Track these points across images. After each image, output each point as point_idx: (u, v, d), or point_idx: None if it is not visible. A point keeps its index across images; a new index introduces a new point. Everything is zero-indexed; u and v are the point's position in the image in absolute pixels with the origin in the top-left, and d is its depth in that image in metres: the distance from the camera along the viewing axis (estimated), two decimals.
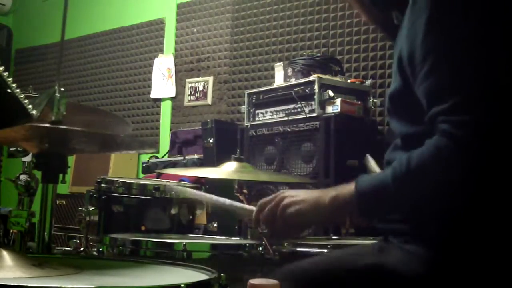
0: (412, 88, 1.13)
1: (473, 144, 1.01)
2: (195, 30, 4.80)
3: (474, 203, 1.08)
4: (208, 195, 1.60)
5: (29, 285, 0.88)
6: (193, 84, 4.73)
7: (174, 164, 3.93)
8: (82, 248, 2.08)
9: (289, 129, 3.07)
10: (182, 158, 4.02)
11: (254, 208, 1.32)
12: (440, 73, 1.06)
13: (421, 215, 1.15)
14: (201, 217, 2.78)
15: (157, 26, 5.08)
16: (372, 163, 1.91)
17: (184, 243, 1.63)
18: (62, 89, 1.54)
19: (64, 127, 1.50)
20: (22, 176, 2.03)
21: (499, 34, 1.07)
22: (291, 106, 3.12)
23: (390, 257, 1.18)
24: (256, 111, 3.35)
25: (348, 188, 1.16)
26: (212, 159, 3.55)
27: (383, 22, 1.35)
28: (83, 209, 2.14)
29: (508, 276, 1.07)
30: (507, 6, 1.10)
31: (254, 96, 3.37)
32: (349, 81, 3.23)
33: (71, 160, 4.63)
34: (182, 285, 0.90)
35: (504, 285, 1.08)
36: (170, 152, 4.45)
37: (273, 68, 3.54)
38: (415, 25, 1.11)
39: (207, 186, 3.04)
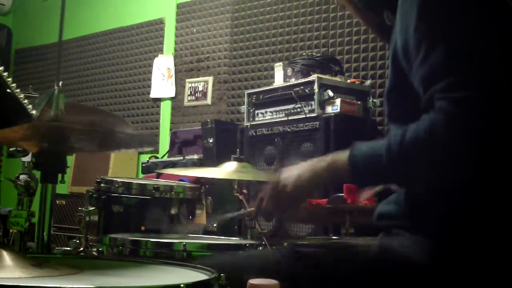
0: (407, 82, 1.13)
1: (468, 121, 1.01)
2: (195, 30, 4.80)
3: (472, 184, 1.08)
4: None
5: (28, 285, 0.88)
6: (193, 84, 4.73)
7: (174, 164, 3.93)
8: (81, 248, 2.08)
9: (289, 129, 3.07)
10: (182, 158, 4.02)
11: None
12: (435, 57, 1.06)
13: (420, 207, 1.15)
14: (201, 217, 2.77)
15: (157, 26, 5.08)
16: None
17: (184, 243, 1.63)
18: (61, 83, 1.54)
19: (63, 123, 1.50)
20: (21, 176, 2.03)
21: (493, 13, 1.08)
22: (291, 106, 3.11)
23: (393, 247, 1.19)
24: (256, 111, 3.35)
25: (343, 156, 1.20)
26: (212, 159, 3.55)
27: (378, 26, 1.36)
28: (83, 209, 2.14)
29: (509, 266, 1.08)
30: None
31: (254, 96, 3.37)
32: (348, 81, 3.23)
33: (71, 160, 4.63)
34: (182, 285, 0.90)
35: (507, 274, 1.08)
36: (170, 152, 4.45)
37: (273, 68, 3.54)
38: (408, 15, 1.11)
39: (207, 186, 3.04)
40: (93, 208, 2.13)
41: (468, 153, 1.02)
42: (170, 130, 4.76)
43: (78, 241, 2.13)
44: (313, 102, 3.00)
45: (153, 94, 4.99)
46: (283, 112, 3.17)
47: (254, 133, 3.27)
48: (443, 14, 1.09)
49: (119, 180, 2.25)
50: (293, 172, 1.28)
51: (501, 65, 1.05)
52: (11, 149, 2.28)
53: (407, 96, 1.14)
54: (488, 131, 1.00)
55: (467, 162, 1.04)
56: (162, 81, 4.93)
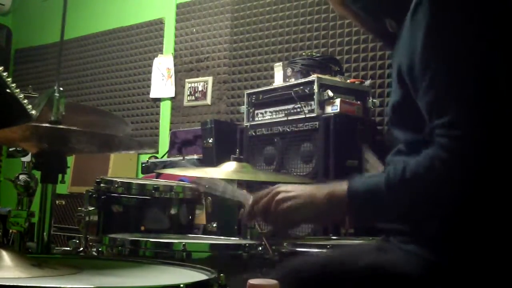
0: (413, 99, 1.13)
1: (468, 158, 1.02)
2: (194, 30, 4.80)
3: (469, 212, 1.09)
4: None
5: (28, 285, 0.88)
6: (193, 84, 4.73)
7: (173, 164, 3.93)
8: (81, 248, 2.08)
9: (288, 129, 3.07)
10: (181, 158, 4.02)
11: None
12: (439, 88, 1.07)
13: (419, 218, 1.15)
14: (201, 217, 2.77)
15: (157, 26, 5.08)
16: (371, 159, 1.86)
17: (183, 243, 1.63)
18: (61, 88, 1.54)
19: (63, 126, 1.50)
20: (21, 176, 2.03)
21: (499, 48, 1.07)
22: (291, 106, 3.12)
23: (389, 257, 1.19)
24: (256, 111, 3.35)
25: (342, 187, 1.17)
26: (212, 159, 3.55)
27: (379, 32, 1.36)
28: (83, 209, 2.14)
29: (506, 276, 1.08)
30: (507, 21, 1.09)
31: (254, 96, 3.37)
32: (348, 81, 3.24)
33: (71, 160, 4.63)
34: (181, 285, 0.90)
35: (503, 284, 1.08)
36: (170, 152, 4.45)
37: (272, 68, 3.54)
38: (414, 38, 1.11)
39: (207, 186, 3.04)
40: (92, 208, 2.13)
41: (467, 188, 1.04)
42: (170, 130, 4.76)
43: (77, 241, 2.13)
44: (312, 102, 3.00)
45: (152, 94, 4.99)
46: (283, 112, 3.17)
47: (253, 133, 3.27)
48: (451, 43, 1.07)
49: (118, 180, 2.25)
50: (290, 196, 1.22)
51: (507, 102, 1.04)
52: (10, 149, 2.29)
53: (411, 110, 1.14)
54: (487, 169, 1.02)
55: (466, 196, 1.05)
56: (161, 81, 4.93)
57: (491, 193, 1.07)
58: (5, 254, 0.99)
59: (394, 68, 1.22)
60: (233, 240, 2.04)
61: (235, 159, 2.19)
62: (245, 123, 3.37)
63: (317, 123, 2.94)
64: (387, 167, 1.13)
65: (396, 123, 1.25)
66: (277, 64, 3.43)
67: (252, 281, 0.92)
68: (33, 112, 1.08)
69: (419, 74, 1.09)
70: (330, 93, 2.98)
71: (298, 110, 3.08)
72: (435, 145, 1.05)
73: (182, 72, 4.83)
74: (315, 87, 3.00)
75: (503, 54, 1.08)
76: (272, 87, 3.32)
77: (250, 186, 2.70)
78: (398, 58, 1.18)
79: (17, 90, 1.03)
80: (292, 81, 3.20)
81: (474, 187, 1.04)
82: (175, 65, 4.87)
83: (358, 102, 3.08)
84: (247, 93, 3.43)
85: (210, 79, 4.61)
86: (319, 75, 3.06)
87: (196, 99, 4.69)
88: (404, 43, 1.15)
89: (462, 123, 1.03)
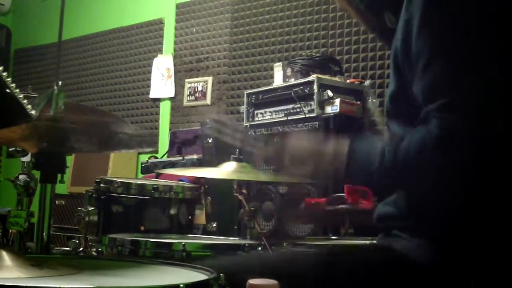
0: (409, 88, 1.13)
1: (461, 137, 1.02)
2: (194, 30, 4.80)
3: (468, 194, 1.09)
4: None
5: (28, 285, 0.88)
6: (192, 84, 4.73)
7: (173, 164, 3.93)
8: (81, 248, 2.08)
9: (288, 129, 3.07)
10: (181, 158, 4.02)
11: None
12: (434, 72, 1.07)
13: (420, 209, 1.16)
14: (200, 217, 2.77)
15: (156, 26, 5.08)
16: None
17: (183, 243, 1.63)
18: (60, 82, 1.54)
19: (62, 123, 1.50)
20: (21, 176, 2.03)
21: (493, 32, 1.08)
22: (290, 106, 3.11)
23: (390, 253, 1.19)
24: (255, 111, 3.35)
25: (345, 148, 1.17)
26: (212, 159, 3.55)
27: (379, 29, 1.36)
28: (82, 209, 2.14)
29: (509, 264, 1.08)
30: (501, 5, 1.10)
31: (253, 96, 3.37)
32: (348, 81, 3.24)
33: (70, 160, 4.63)
34: (181, 285, 0.90)
35: (507, 274, 1.08)
36: (169, 152, 4.45)
37: (272, 68, 3.54)
38: (410, 23, 1.11)
39: (206, 186, 3.04)
40: (92, 208, 2.13)
41: (459, 168, 1.04)
42: (170, 130, 4.76)
43: (77, 241, 2.13)
44: (312, 102, 3.00)
45: (152, 94, 4.99)
46: (283, 112, 3.17)
47: (253, 133, 3.27)
48: (446, 27, 1.08)
49: (118, 180, 2.25)
50: (299, 141, 1.27)
51: (502, 86, 1.05)
52: (10, 149, 2.28)
53: (408, 98, 1.14)
54: (481, 150, 1.02)
55: (456, 174, 1.05)
56: (161, 81, 4.93)
57: (487, 176, 1.06)
58: (4, 254, 0.99)
59: (391, 58, 1.22)
60: (233, 240, 2.04)
61: (235, 159, 2.19)
62: (245, 123, 3.37)
63: (316, 123, 2.94)
64: (386, 144, 1.13)
65: (393, 116, 1.25)
66: (277, 64, 3.43)
67: (252, 281, 0.91)
68: (33, 112, 1.08)
69: (414, 58, 1.10)
70: (330, 93, 2.98)
71: (298, 110, 3.08)
72: (429, 124, 1.05)
73: (182, 72, 4.83)
74: (315, 87, 3.00)
75: (500, 38, 1.08)
76: (272, 87, 3.32)
77: (250, 186, 2.70)
78: (394, 44, 1.19)
79: (17, 90, 1.03)
80: (292, 81, 3.20)
81: (468, 167, 1.04)
82: (174, 65, 4.87)
83: (358, 102, 3.08)
84: (247, 93, 3.43)
85: (210, 79, 4.61)
86: (319, 75, 3.06)
87: (196, 99, 4.69)
88: (400, 29, 1.15)
89: (457, 106, 1.03)
